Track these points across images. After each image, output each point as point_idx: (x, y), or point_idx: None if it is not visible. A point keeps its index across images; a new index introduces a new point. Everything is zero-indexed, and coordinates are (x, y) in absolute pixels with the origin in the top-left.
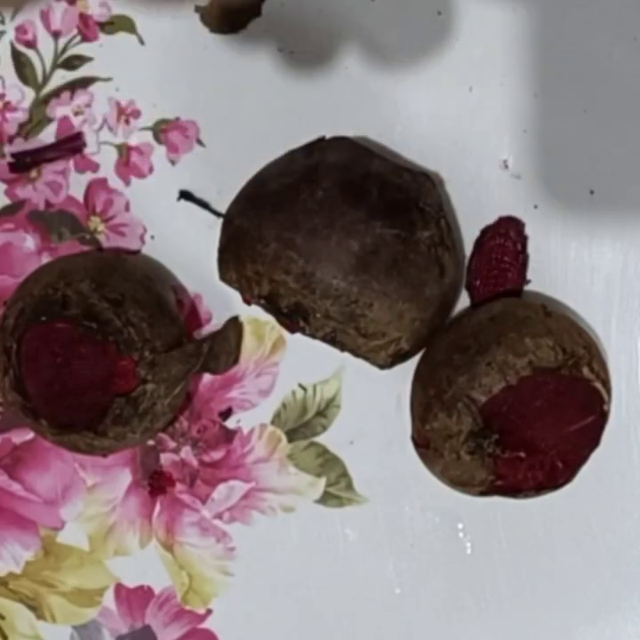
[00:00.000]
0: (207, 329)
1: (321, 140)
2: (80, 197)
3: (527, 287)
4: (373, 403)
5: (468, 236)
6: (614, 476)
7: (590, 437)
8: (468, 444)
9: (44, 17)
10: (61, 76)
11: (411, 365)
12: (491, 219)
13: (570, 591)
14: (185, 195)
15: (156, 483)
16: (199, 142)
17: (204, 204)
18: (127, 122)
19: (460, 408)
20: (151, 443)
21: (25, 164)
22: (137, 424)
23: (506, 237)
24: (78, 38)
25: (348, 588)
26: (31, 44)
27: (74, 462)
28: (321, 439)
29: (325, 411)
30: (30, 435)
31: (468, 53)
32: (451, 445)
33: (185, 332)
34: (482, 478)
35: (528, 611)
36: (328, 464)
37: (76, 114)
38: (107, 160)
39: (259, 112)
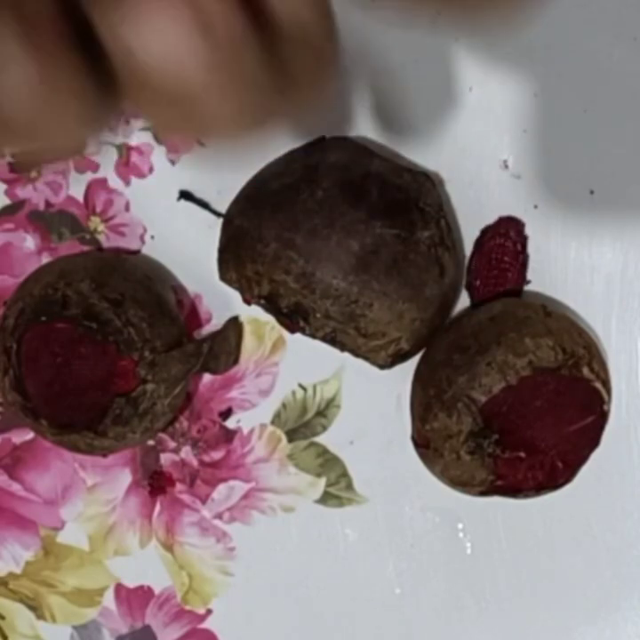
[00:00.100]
0: (207, 329)
1: (321, 140)
2: (80, 197)
3: (527, 287)
4: (373, 403)
5: (468, 236)
6: (614, 476)
7: (590, 437)
8: (468, 443)
9: None
10: None
11: (411, 365)
12: (491, 219)
13: (570, 591)
14: (185, 195)
15: (156, 483)
16: (199, 142)
17: (204, 204)
18: (127, 122)
19: (460, 408)
20: (151, 443)
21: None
22: (137, 424)
23: (506, 237)
24: None
25: (348, 588)
26: None
27: (74, 462)
28: (321, 439)
29: (325, 411)
30: (30, 435)
31: (467, 53)
32: (451, 445)
33: (185, 332)
34: (482, 478)
35: (528, 611)
36: (328, 464)
37: None
38: (107, 160)
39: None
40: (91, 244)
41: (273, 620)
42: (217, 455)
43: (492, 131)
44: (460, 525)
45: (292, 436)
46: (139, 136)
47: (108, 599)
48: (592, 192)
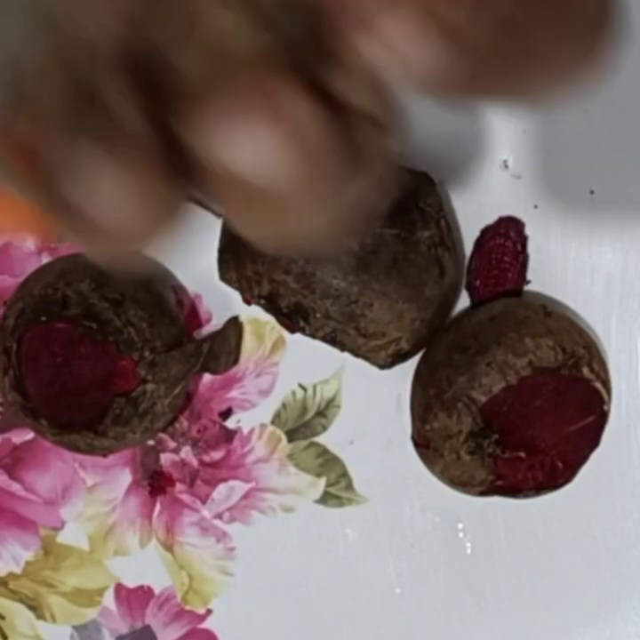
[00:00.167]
0: (207, 329)
1: None
2: None
3: (527, 287)
4: (373, 403)
5: (468, 236)
6: (614, 476)
7: (590, 437)
8: (468, 443)
9: None
10: None
11: (411, 365)
12: (491, 219)
13: (570, 591)
14: None
15: (156, 483)
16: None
17: (204, 204)
18: None
19: (460, 408)
20: (151, 443)
21: None
22: (137, 424)
23: (506, 237)
24: None
25: (348, 588)
26: None
27: (74, 462)
28: (321, 439)
29: (325, 411)
30: (30, 435)
31: None
32: (451, 445)
33: (185, 331)
34: (482, 478)
35: (528, 611)
36: (328, 464)
37: None
38: None
39: None
40: None
41: (273, 620)
42: (217, 455)
43: (492, 131)
44: (460, 525)
45: (291, 435)
46: None
47: (108, 599)
48: (592, 192)
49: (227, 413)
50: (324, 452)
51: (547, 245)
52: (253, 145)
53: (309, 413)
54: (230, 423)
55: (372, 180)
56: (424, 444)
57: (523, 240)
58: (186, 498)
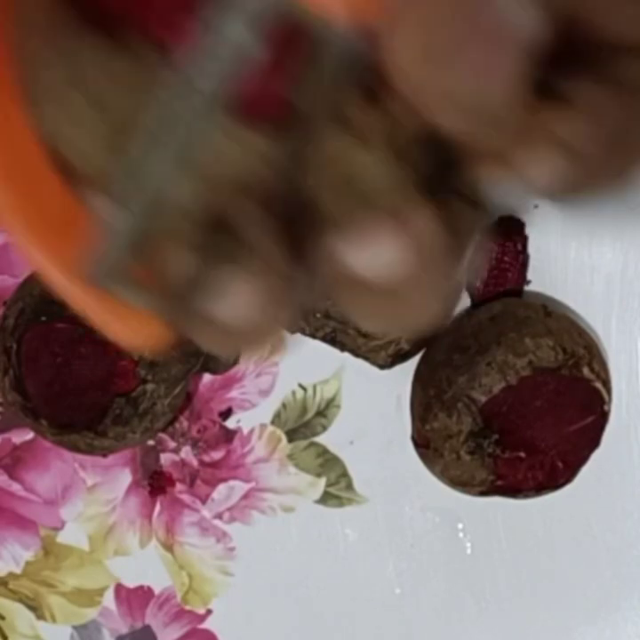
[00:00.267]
0: None
1: None
2: None
3: (527, 287)
4: (373, 403)
5: None
6: (614, 476)
7: (590, 437)
8: (468, 443)
9: None
10: None
11: (411, 365)
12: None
13: (570, 591)
14: None
15: (156, 483)
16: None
17: None
18: None
19: (460, 408)
20: (151, 443)
21: None
22: (137, 424)
23: (506, 237)
24: None
25: (348, 588)
26: None
27: (74, 462)
28: (321, 439)
29: (325, 411)
30: (30, 435)
31: None
32: (451, 445)
33: None
34: (482, 478)
35: (528, 611)
36: (328, 464)
37: None
38: None
39: None
40: None
41: (273, 620)
42: (217, 455)
43: None
44: (460, 525)
45: (292, 435)
46: None
47: (108, 599)
48: None
49: (227, 413)
50: (323, 452)
51: (547, 245)
52: (379, 252)
53: (309, 413)
54: (230, 423)
55: (468, 256)
56: (424, 444)
57: (523, 240)
58: (186, 498)
